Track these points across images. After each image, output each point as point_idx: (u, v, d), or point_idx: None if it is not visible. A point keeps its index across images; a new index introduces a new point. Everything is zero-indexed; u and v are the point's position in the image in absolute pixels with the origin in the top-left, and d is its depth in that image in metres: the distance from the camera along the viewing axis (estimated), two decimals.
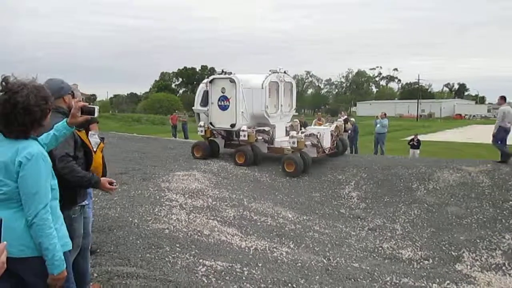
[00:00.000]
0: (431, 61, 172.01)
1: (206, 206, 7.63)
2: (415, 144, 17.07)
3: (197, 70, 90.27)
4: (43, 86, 2.30)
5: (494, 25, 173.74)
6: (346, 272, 5.56)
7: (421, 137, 18.42)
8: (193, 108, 14.02)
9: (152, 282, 4.12)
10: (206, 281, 4.35)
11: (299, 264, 5.53)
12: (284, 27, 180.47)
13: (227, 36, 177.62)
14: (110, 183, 3.08)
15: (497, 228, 7.80)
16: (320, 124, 15.25)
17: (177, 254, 5.06)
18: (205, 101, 12.71)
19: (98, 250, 4.87)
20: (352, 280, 5.29)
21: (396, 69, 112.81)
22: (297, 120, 13.92)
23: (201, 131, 12.71)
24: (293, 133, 11.51)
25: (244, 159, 11.54)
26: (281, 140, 12.19)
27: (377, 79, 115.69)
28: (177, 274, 4.41)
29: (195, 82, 79.18)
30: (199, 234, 6.09)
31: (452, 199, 9.14)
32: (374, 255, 6.77)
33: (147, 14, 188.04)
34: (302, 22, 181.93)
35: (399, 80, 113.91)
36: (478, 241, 7.32)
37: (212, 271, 4.64)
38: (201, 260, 4.95)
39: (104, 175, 3.32)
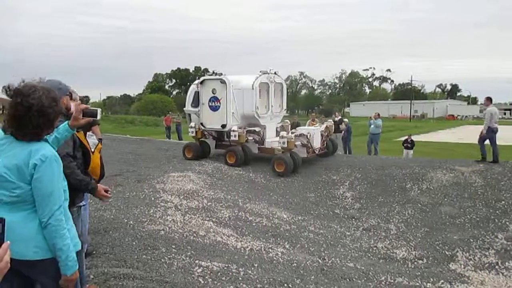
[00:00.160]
0: (423, 62, 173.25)
1: (201, 207, 7.64)
2: (409, 145, 17.17)
3: (191, 71, 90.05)
4: (50, 87, 2.30)
5: (486, 26, 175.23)
6: (341, 272, 5.59)
7: (414, 138, 18.51)
8: (184, 109, 14.09)
9: (149, 283, 4.12)
10: (202, 282, 4.35)
11: (295, 264, 5.55)
12: (277, 28, 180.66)
13: (221, 37, 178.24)
14: (106, 191, 3.11)
15: (490, 227, 7.87)
16: (313, 125, 15.32)
17: (173, 255, 5.06)
18: (196, 102, 12.80)
19: (94, 252, 4.85)
20: (347, 279, 5.32)
21: (389, 70, 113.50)
22: (287, 120, 13.98)
23: (192, 132, 12.76)
24: (283, 133, 11.60)
25: (235, 159, 11.62)
26: (272, 140, 12.28)
27: (370, 79, 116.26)
28: (173, 275, 4.42)
29: (188, 83, 78.41)
30: (194, 235, 6.09)
31: (445, 199, 9.21)
32: (369, 255, 6.81)
33: (140, 15, 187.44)
34: (295, 23, 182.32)
35: (392, 81, 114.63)
36: (472, 240, 7.38)
37: (208, 272, 4.64)
38: (197, 261, 4.95)
39: (102, 175, 3.33)
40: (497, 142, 11.11)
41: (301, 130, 12.53)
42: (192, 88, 13.22)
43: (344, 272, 5.58)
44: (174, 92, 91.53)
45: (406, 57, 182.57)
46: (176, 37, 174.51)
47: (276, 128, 13.06)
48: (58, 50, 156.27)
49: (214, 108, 12.29)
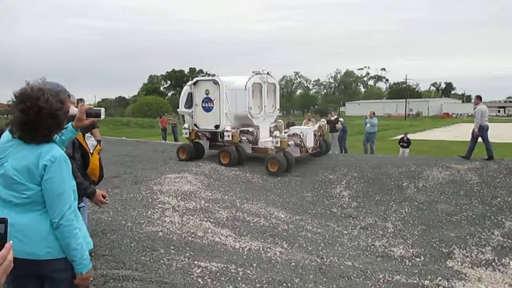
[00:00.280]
0: (418, 61, 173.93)
1: (199, 208, 7.64)
2: (405, 144, 17.24)
3: (186, 72, 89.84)
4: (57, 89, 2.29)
5: (483, 25, 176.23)
6: (339, 270, 5.61)
7: (409, 136, 18.58)
8: (177, 110, 14.13)
9: (148, 284, 4.12)
10: (202, 282, 4.36)
11: (293, 263, 5.57)
12: (277, 28, 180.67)
13: (215, 38, 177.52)
14: (103, 197, 3.12)
15: (486, 224, 7.92)
16: (309, 125, 15.38)
17: (171, 256, 5.07)
18: (189, 103, 12.84)
19: (92, 254, 4.84)
20: (346, 278, 5.34)
21: (384, 69, 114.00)
22: (281, 120, 14.04)
23: (186, 133, 12.80)
24: (277, 133, 11.66)
25: (229, 159, 11.67)
26: (265, 140, 12.34)
27: (365, 79, 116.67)
28: (172, 276, 4.43)
29: (183, 85, 78.52)
30: (193, 236, 6.10)
31: (441, 197, 9.26)
32: (367, 253, 6.84)
33: (135, 17, 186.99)
34: (294, 23, 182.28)
35: (387, 80, 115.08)
36: (468, 237, 7.43)
37: (208, 272, 4.65)
38: (196, 262, 4.96)
39: (101, 176, 3.33)
40: (492, 140, 11.19)
41: (294, 129, 12.64)
42: (185, 89, 13.27)
43: (343, 271, 5.59)
44: (169, 94, 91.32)
45: (401, 56, 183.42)
46: (174, 39, 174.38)
47: (270, 128, 13.13)
48: (51, 53, 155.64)
49: (208, 109, 12.34)
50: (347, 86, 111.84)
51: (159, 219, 6.62)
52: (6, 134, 2.27)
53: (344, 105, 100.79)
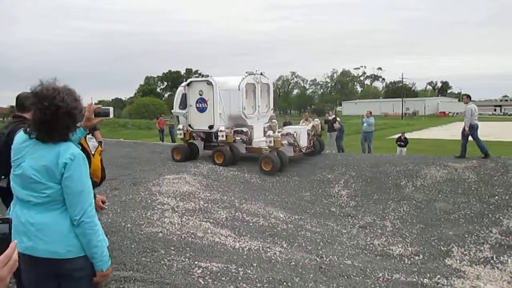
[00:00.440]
0: (415, 60, 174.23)
1: (198, 208, 7.65)
2: (402, 143, 17.29)
3: (182, 73, 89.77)
4: (69, 87, 2.28)
5: (479, 25, 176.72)
6: (339, 269, 5.64)
7: (406, 135, 18.65)
8: (172, 111, 14.18)
9: (150, 285, 4.14)
10: (203, 283, 4.38)
11: (293, 263, 5.59)
12: (272, 28, 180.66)
13: (215, 38, 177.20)
14: (102, 202, 3.13)
15: (484, 222, 7.96)
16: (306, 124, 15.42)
17: (172, 257, 5.08)
18: (183, 104, 12.91)
19: None
20: (345, 277, 5.37)
21: (380, 68, 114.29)
22: (275, 120, 14.08)
23: (181, 134, 12.87)
24: (270, 132, 11.70)
25: (223, 159, 11.73)
26: (259, 140, 12.41)
27: (361, 78, 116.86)
28: (173, 276, 4.44)
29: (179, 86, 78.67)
30: (192, 236, 6.11)
31: (439, 195, 9.30)
32: (366, 252, 6.86)
33: (131, 18, 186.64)
34: (294, 23, 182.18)
35: (383, 79, 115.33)
36: (466, 235, 7.46)
37: (208, 273, 4.67)
38: (196, 262, 4.98)
39: (103, 178, 3.35)
40: (488, 139, 11.24)
41: (287, 129, 12.71)
42: (180, 90, 13.33)
43: (342, 270, 5.62)
44: (166, 95, 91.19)
45: (398, 55, 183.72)
46: (174, 39, 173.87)
47: (264, 128, 13.18)
48: (48, 55, 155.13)
49: (202, 110, 12.40)
50: (344, 86, 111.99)
51: (158, 220, 6.63)
52: (21, 135, 2.27)
53: (340, 104, 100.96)
